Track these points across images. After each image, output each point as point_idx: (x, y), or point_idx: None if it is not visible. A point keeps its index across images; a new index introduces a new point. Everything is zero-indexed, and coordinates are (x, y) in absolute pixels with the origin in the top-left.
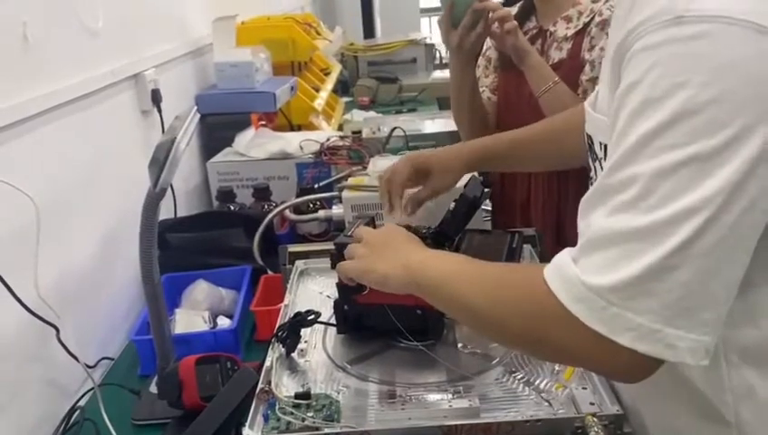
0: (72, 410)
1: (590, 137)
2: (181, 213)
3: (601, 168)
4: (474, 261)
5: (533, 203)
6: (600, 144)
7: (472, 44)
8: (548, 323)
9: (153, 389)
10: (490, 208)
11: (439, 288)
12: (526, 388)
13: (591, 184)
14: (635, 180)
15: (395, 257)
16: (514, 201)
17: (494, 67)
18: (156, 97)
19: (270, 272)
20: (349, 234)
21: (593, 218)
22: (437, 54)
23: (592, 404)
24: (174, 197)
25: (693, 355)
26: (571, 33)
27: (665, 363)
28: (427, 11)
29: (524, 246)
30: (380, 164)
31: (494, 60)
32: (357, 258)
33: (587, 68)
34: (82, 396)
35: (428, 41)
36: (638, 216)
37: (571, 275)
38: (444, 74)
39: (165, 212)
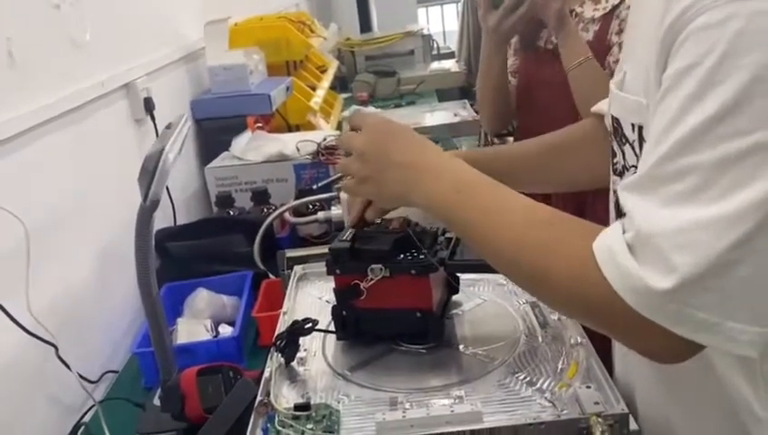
0: (77, 426)
1: (616, 119)
2: (180, 221)
3: (633, 151)
4: (513, 200)
5: (554, 194)
6: (633, 126)
7: (510, 27)
8: (594, 304)
9: (157, 401)
10: None
11: (474, 235)
12: (529, 389)
13: (615, 169)
14: (693, 170)
15: (409, 181)
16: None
17: (515, 50)
18: (149, 105)
19: (272, 276)
20: (343, 237)
21: (643, 208)
22: (435, 45)
23: (597, 404)
24: (172, 204)
25: (753, 346)
26: (598, 14)
27: (694, 358)
28: (424, 1)
29: None
30: None
31: (514, 43)
32: (359, 179)
33: (614, 49)
34: (86, 412)
35: (425, 32)
36: (698, 208)
37: (629, 267)
38: (441, 65)
39: (164, 220)
